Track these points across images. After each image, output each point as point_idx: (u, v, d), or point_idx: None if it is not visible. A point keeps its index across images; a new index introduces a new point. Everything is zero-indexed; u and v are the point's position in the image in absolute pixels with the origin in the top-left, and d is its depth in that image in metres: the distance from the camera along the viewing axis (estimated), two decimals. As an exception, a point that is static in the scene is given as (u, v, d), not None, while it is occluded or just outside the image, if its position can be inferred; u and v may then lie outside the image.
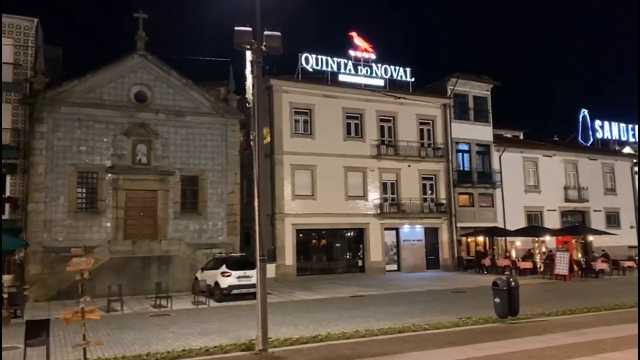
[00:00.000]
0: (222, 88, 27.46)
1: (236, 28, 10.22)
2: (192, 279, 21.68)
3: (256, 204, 10.13)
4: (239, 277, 19.09)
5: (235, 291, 19.02)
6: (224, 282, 19.13)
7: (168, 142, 25.52)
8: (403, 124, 32.39)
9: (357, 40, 31.88)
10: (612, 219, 40.14)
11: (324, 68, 30.41)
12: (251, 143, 10.67)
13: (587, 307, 14.89)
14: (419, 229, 32.23)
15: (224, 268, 19.48)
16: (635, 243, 39.84)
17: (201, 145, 26.19)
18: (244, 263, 19.80)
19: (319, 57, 30.30)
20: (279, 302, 18.70)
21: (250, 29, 10.26)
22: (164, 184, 25.07)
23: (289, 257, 27.95)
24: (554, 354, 9.23)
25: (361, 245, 30.74)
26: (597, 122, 48.01)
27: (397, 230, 31.69)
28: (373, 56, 32.00)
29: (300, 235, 28.96)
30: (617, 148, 48.45)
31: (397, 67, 32.46)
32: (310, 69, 30.07)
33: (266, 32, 10.25)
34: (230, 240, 25.90)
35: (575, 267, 26.67)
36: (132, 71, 25.40)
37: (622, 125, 49.83)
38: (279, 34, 10.24)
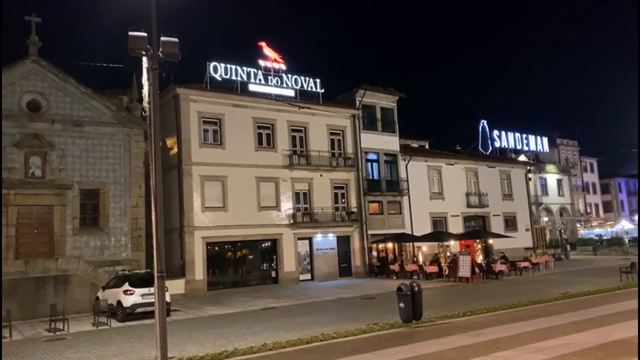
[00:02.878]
0: (124, 96, 26.26)
1: (130, 33, 9.74)
2: (92, 298, 20.36)
3: (153, 217, 9.65)
4: (143, 295, 18.15)
5: (139, 310, 18.07)
6: (127, 301, 18.12)
7: (65, 153, 23.94)
8: (314, 134, 32.69)
9: (267, 51, 31.84)
10: (510, 222, 42.93)
11: (234, 77, 30.04)
12: (149, 153, 10.16)
13: (486, 308, 15.63)
14: (331, 237, 32.56)
15: (126, 286, 18.46)
16: (530, 245, 42.91)
17: (102, 156, 24.82)
18: (149, 280, 18.81)
19: (228, 66, 29.90)
20: (187, 319, 18.02)
21: (145, 34, 9.81)
22: (61, 198, 23.44)
23: (199, 271, 27.09)
24: (453, 355, 9.54)
25: (275, 256, 30.49)
26: (495, 132, 51.43)
27: (310, 239, 31.78)
28: (283, 66, 32.09)
29: (211, 248, 28.21)
30: (513, 156, 52.11)
31: (307, 78, 32.78)
32: (219, 78, 29.57)
33: (163, 38, 9.85)
34: (135, 256, 24.69)
35: (477, 270, 28.09)
36: (24, 78, 23.63)
37: (517, 135, 53.75)
38: (176, 40, 9.88)
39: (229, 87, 30.13)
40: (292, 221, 30.69)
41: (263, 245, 30.56)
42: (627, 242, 53.20)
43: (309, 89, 32.76)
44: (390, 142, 36.28)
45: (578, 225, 65.59)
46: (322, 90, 33.22)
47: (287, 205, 30.84)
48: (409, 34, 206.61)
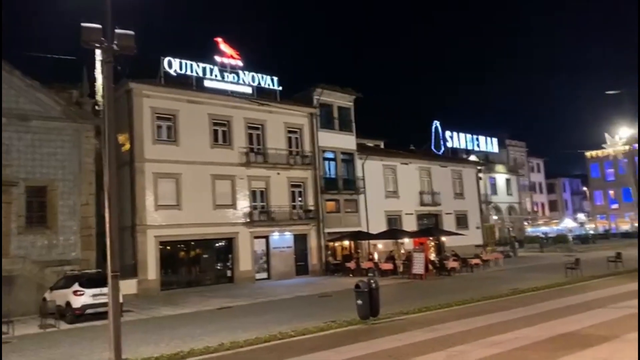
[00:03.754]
0: (74, 91, 25.29)
1: (83, 25, 9.39)
2: (39, 300, 19.53)
3: (107, 215, 9.34)
4: (94, 296, 17.57)
5: (89, 311, 17.48)
6: (77, 302, 17.49)
7: (10, 148, 22.83)
8: (272, 132, 32.51)
9: (223, 47, 31.41)
10: (461, 220, 44.05)
11: (189, 73, 29.49)
12: (102, 149, 9.84)
13: (440, 304, 15.96)
14: (288, 236, 32.48)
15: (76, 286, 17.82)
16: (480, 242, 44.17)
17: (50, 152, 23.82)
18: (100, 280, 18.24)
19: (183, 61, 29.33)
20: (140, 319, 17.57)
21: (99, 26, 9.48)
22: (5, 195, 22.31)
23: (151, 271, 26.46)
24: (409, 351, 9.69)
25: (230, 255, 30.14)
26: (448, 133, 52.65)
27: (267, 238, 31.60)
28: (240, 63, 31.74)
29: (165, 247, 27.61)
30: (464, 156, 53.50)
31: (265, 75, 32.55)
32: (174, 74, 28.95)
33: (117, 31, 9.54)
34: (85, 255, 23.85)
35: (430, 267, 28.70)
36: (-36, 69, 22.38)
37: (469, 136, 55.22)
38: (132, 32, 9.59)
39: (184, 83, 29.55)
40: (248, 220, 30.42)
41: (218, 244, 30.16)
42: (571, 239, 55.58)
43: (267, 86, 32.54)
44: (347, 141, 36.55)
45: (525, 223, 68.07)
46: (280, 88, 33.08)
47: (243, 204, 30.55)
48: (366, 35, 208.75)
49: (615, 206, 79.43)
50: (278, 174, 32.19)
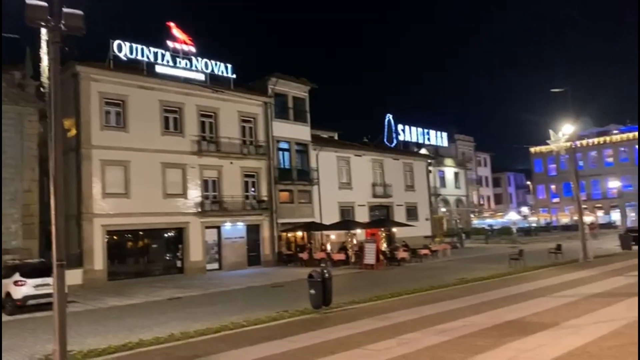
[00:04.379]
0: (16, 72, 24.03)
1: (28, 2, 8.88)
2: (-25, 291, 18.55)
3: (52, 202, 8.93)
4: (36, 286, 16.85)
5: (31, 302, 16.76)
6: (18, 292, 16.73)
7: (-56, 131, 21.51)
8: (225, 120, 32.03)
9: (176, 32, 30.60)
10: (412, 212, 44.97)
11: (140, 57, 28.58)
12: (48, 134, 9.39)
13: (391, 293, 16.26)
14: (240, 226, 32.21)
15: (17, 276, 17.03)
16: (429, 233, 45.25)
17: (-11, 136, 22.58)
18: (43, 270, 17.51)
19: (134, 45, 28.38)
20: (86, 310, 17.02)
21: (45, 4, 9.00)
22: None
23: (98, 261, 25.65)
24: (362, 339, 9.82)
25: (180, 245, 29.59)
26: (400, 126, 53.50)
27: (218, 228, 31.21)
28: (193, 49, 31.03)
29: (112, 237, 26.81)
30: (415, 150, 54.55)
31: (218, 63, 31.98)
32: (124, 58, 28.00)
33: (65, 10, 9.08)
34: (27, 244, 22.83)
35: (382, 257, 29.15)
36: None
37: (420, 129, 56.30)
38: (80, 12, 9.14)
39: (134, 68, 28.65)
40: (199, 209, 29.94)
41: (168, 234, 29.57)
42: (514, 231, 57.79)
43: (220, 73, 31.99)
44: (302, 132, 36.50)
45: (472, 215, 70.21)
46: (234, 76, 32.61)
47: (194, 193, 30.03)
48: (323, 28, 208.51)
49: (556, 200, 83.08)
50: (231, 163, 31.80)
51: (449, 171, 63.10)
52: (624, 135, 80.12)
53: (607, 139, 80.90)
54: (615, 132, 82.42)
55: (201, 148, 30.40)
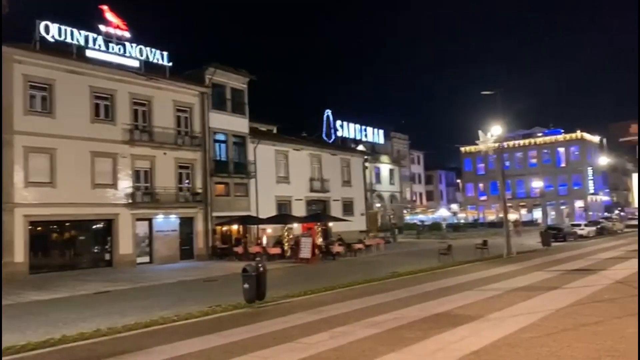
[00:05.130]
0: None
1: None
2: None
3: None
4: (-53, 280, 15.70)
5: (-59, 297, 15.61)
6: None
7: None
8: (159, 109, 31.09)
9: (109, 15, 29.37)
10: (348, 207, 45.59)
11: (69, 40, 27.21)
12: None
13: (325, 287, 16.40)
14: (173, 219, 31.44)
15: None
16: (364, 228, 46.07)
17: None
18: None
19: (63, 27, 26.97)
20: (4, 304, 16.01)
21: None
22: None
23: (19, 253, 24.26)
24: (294, 332, 9.85)
25: (109, 238, 28.52)
26: (338, 122, 54.07)
27: (150, 220, 30.32)
28: (127, 34, 29.90)
29: (35, 228, 25.42)
30: (353, 146, 55.29)
31: (154, 50, 30.99)
32: (52, 40, 26.55)
33: (-15, -17, 8.48)
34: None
35: (317, 251, 29.38)
36: None
37: (357, 126, 57.15)
38: (3, -13, 8.58)
39: (63, 51, 27.24)
40: (130, 201, 28.97)
41: (96, 225, 28.45)
42: (444, 227, 59.94)
43: (156, 61, 31.03)
44: (240, 124, 36.05)
45: (405, 211, 72.16)
46: (170, 64, 31.74)
47: (125, 184, 29.01)
48: (265, 20, 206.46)
49: (484, 198, 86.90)
50: (165, 154, 30.94)
51: (385, 168, 64.48)
52: (547, 138, 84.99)
53: (532, 141, 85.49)
54: (539, 134, 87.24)
55: (133, 137, 29.38)
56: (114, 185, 28.50)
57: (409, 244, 43.59)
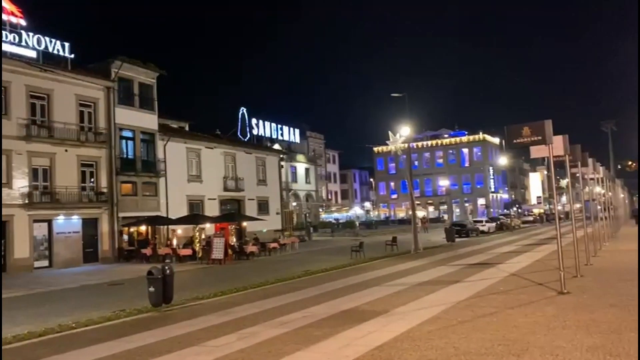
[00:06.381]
0: None
1: None
2: None
3: None
4: None
5: None
6: None
7: None
8: (60, 103, 29.19)
9: (3, 2, 27.10)
10: (263, 206, 45.38)
11: (-46, 25, 24.80)
12: None
13: (237, 288, 16.17)
14: (76, 219, 29.68)
15: None
16: (280, 227, 46.09)
17: None
18: None
19: (-53, 10, 24.52)
20: None
21: None
22: None
23: None
24: (201, 335, 9.61)
25: (3, 241, 26.36)
26: (254, 121, 53.65)
27: (49, 222, 28.40)
28: (23, 22, 27.81)
29: None
30: (268, 144, 55.10)
31: (54, 40, 29.06)
32: None
33: None
34: None
35: (230, 251, 28.96)
36: None
37: (274, 125, 57.04)
38: None
39: (-54, 36, 24.78)
40: (27, 201, 26.99)
41: (-13, 228, 26.14)
42: (357, 225, 61.42)
43: (55, 52, 29.14)
44: (149, 120, 34.68)
45: (320, 210, 73.14)
46: (72, 56, 29.92)
47: (21, 183, 27.01)
48: (177, 16, 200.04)
49: (394, 196, 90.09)
50: (66, 151, 29.12)
51: (301, 167, 64.91)
52: (453, 139, 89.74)
53: (439, 142, 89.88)
54: (445, 136, 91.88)
55: (30, 133, 27.38)
56: (7, 184, 26.41)
57: (324, 242, 44.17)
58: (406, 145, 29.74)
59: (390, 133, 28.28)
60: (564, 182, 53.16)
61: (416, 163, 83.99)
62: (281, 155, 51.57)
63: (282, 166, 51.52)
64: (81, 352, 8.99)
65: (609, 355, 6.91)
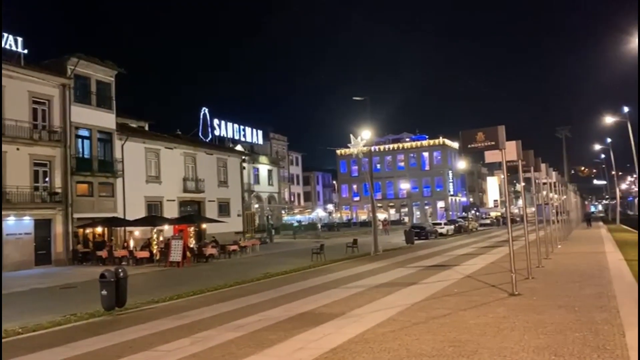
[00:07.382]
0: None
1: None
2: None
3: None
4: None
5: None
6: None
7: None
8: (11, 100, 28.12)
9: (-50, -9, 25.90)
10: (224, 208, 44.93)
11: None
12: None
13: (193, 291, 15.93)
14: (27, 221, 28.63)
15: None
16: (241, 229, 45.70)
17: None
18: None
19: None
20: None
21: None
22: None
23: None
24: (154, 340, 9.42)
25: (-53, 243, 25.19)
26: (216, 121, 53.10)
27: (-2, 223, 27.28)
28: (-28, 14, 26.60)
29: None
30: (231, 145, 54.62)
31: (6, 34, 28.00)
32: None
33: None
34: None
35: (189, 254, 28.52)
36: None
37: (236, 126, 56.61)
38: None
39: None
40: (-26, 201, 25.82)
41: None
42: (319, 227, 61.56)
43: (7, 46, 28.07)
44: (106, 119, 33.84)
45: (283, 212, 72.94)
46: (25, 51, 28.89)
47: (-32, 182, 25.81)
48: (135, 16, 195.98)
49: (357, 199, 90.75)
50: (17, 149, 28.13)
51: (263, 168, 64.59)
52: (414, 143, 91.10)
53: (400, 145, 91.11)
54: (407, 140, 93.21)
55: (-21, 130, 26.26)
56: (-47, 183, 25.25)
57: (285, 244, 44.03)
58: (367, 148, 30.00)
59: (352, 136, 28.46)
60: (519, 186, 54.93)
61: (378, 166, 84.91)
62: (243, 157, 51.20)
63: (244, 167, 51.15)
64: (26, 358, 8.67)
65: (554, 356, 7.13)
